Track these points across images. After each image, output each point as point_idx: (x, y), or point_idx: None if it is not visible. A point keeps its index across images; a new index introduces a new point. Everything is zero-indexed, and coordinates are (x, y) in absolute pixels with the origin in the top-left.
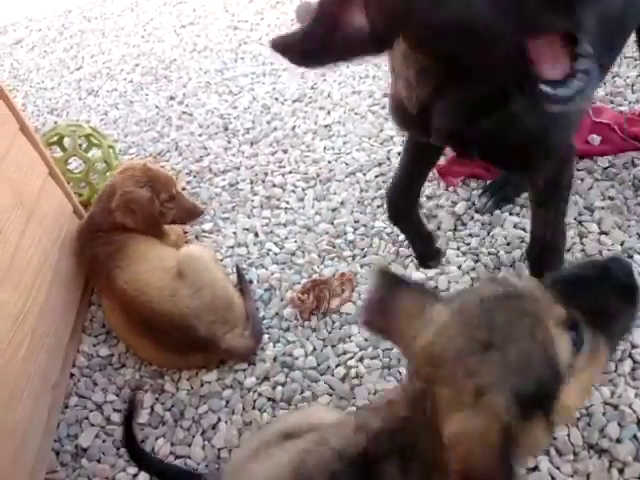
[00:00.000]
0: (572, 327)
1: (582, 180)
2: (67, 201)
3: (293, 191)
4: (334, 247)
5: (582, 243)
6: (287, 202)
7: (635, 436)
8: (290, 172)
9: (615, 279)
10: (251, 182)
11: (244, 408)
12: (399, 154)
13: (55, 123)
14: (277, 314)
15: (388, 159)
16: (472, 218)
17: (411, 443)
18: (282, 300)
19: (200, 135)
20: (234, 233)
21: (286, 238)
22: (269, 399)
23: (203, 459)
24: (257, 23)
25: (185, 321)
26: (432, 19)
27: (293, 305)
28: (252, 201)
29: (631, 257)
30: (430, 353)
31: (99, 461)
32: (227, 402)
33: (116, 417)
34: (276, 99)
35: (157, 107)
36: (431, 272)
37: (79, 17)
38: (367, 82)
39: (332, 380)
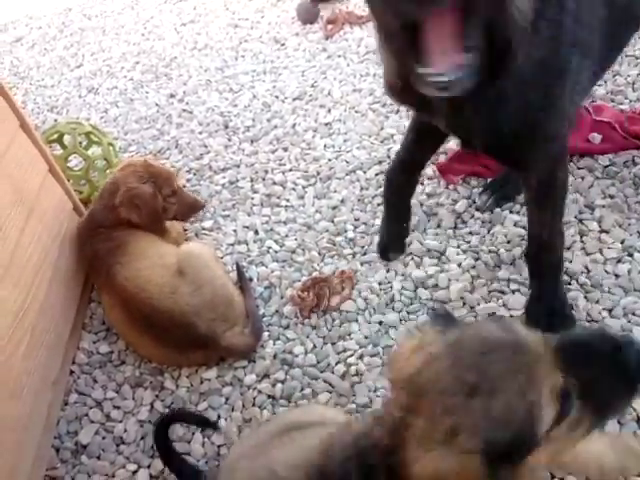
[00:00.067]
0: (563, 397)
1: (583, 178)
2: (67, 198)
3: (293, 189)
4: (334, 245)
5: (582, 241)
6: (287, 200)
7: (635, 434)
8: (290, 170)
9: (624, 364)
10: (251, 180)
11: (244, 405)
12: None
13: (55, 121)
14: (277, 312)
15: (388, 157)
16: (472, 216)
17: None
18: (282, 298)
19: (200, 133)
20: (234, 231)
21: (286, 236)
22: (269, 396)
23: (203, 456)
24: (257, 21)
25: (185, 318)
26: None
27: (293, 303)
28: (252, 199)
29: (631, 255)
30: (414, 382)
31: (99, 458)
32: (227, 399)
33: (116, 414)
34: (276, 97)
35: (157, 105)
36: (431, 270)
37: (79, 15)
38: (368, 80)
39: (332, 377)
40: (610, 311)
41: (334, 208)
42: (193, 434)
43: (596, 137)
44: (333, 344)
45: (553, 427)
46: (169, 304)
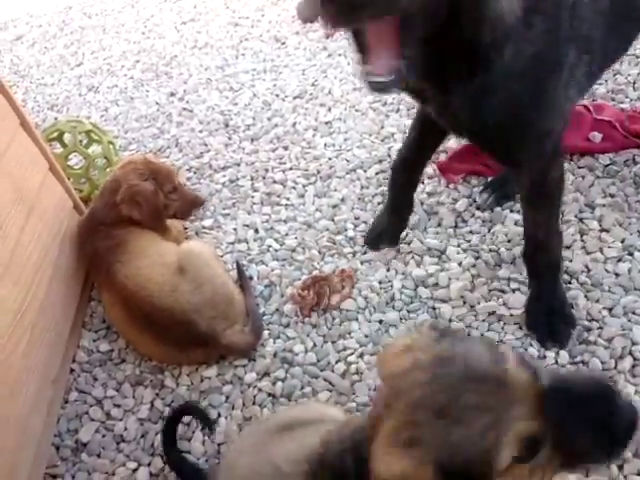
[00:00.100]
0: (531, 446)
1: (583, 177)
2: (67, 197)
3: (294, 188)
4: (334, 244)
5: (583, 240)
6: (287, 199)
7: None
8: (291, 169)
9: (612, 427)
10: (251, 178)
11: (244, 404)
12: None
13: (55, 119)
14: (277, 310)
15: (389, 156)
16: (473, 215)
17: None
18: (282, 296)
19: (200, 131)
20: (234, 229)
21: (286, 234)
22: (269, 395)
23: (203, 454)
24: (258, 20)
25: (185, 317)
26: None
27: (293, 301)
28: (252, 197)
29: (631, 254)
30: (395, 382)
31: (99, 456)
32: (227, 397)
33: (116, 412)
34: (277, 96)
35: (157, 103)
36: (431, 269)
37: (80, 13)
38: None
39: (332, 376)
40: (610, 310)
41: (334, 207)
42: (193, 432)
43: (597, 136)
44: (333, 343)
45: (513, 466)
46: (169, 302)
